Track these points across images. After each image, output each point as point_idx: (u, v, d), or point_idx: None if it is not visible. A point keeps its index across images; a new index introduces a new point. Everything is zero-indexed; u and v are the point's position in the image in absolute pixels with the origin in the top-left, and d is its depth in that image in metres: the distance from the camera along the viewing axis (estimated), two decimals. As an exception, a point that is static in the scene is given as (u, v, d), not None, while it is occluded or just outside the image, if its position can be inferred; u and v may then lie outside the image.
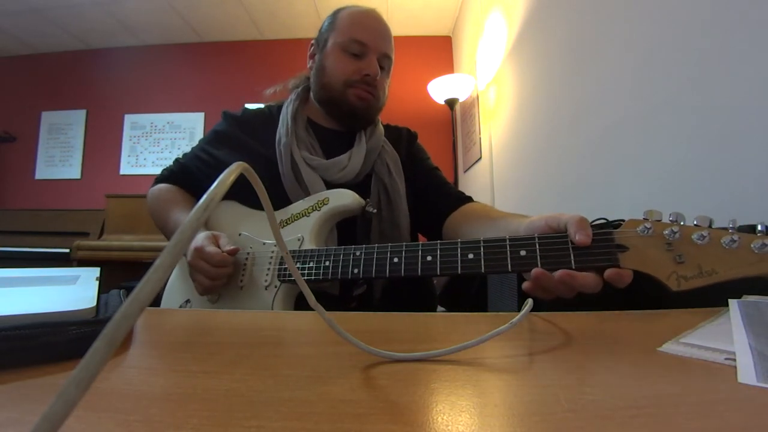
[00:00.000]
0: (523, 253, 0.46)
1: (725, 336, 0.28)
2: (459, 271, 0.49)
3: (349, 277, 0.55)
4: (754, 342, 0.26)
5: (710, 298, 0.39)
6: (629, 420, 0.17)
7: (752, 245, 0.37)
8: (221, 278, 0.61)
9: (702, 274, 0.38)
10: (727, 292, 0.38)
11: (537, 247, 0.46)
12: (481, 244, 0.49)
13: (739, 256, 0.37)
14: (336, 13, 0.80)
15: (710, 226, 0.39)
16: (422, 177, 0.83)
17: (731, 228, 0.38)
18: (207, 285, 0.61)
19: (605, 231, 0.43)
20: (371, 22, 0.77)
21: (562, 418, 0.18)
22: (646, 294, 0.42)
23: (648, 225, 0.41)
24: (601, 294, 0.44)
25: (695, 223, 0.40)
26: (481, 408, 0.20)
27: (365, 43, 0.74)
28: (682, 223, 0.40)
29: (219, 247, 0.62)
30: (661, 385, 0.21)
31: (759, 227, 0.37)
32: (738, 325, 0.30)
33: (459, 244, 0.50)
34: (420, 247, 0.52)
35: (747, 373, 0.22)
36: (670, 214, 0.41)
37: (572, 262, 0.43)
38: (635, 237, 0.42)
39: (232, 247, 0.62)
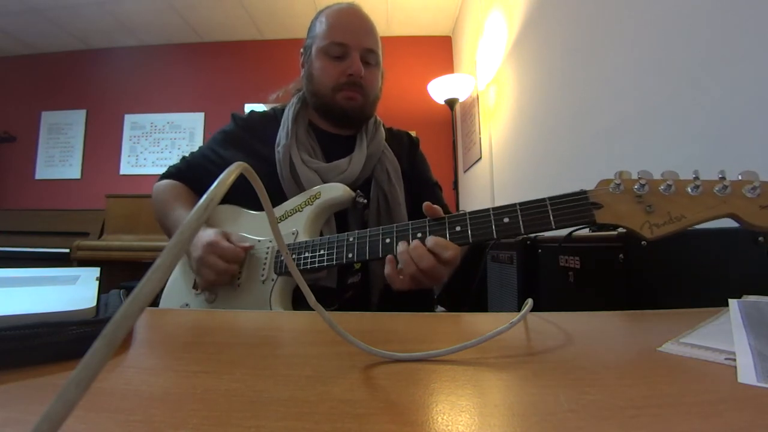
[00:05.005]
0: (506, 220, 0.49)
1: (725, 336, 0.28)
2: None
3: (344, 261, 0.57)
4: (754, 342, 0.26)
5: (710, 298, 0.39)
6: (629, 420, 0.17)
7: (714, 189, 0.40)
8: (227, 275, 0.63)
9: (672, 220, 0.41)
10: (727, 292, 0.38)
11: (519, 213, 0.48)
12: (467, 216, 0.52)
13: (704, 201, 0.40)
14: (317, 17, 0.81)
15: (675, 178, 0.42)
16: (421, 192, 0.83)
17: (695, 177, 0.41)
18: (212, 279, 0.63)
19: (580, 191, 0.46)
20: (349, 19, 0.77)
21: (562, 418, 0.18)
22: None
23: (618, 182, 0.44)
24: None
25: (661, 176, 0.43)
26: (481, 408, 0.19)
27: (344, 43, 0.75)
28: (649, 178, 0.43)
29: (232, 243, 0.64)
30: (661, 385, 0.21)
31: (719, 174, 0.40)
32: (738, 325, 0.30)
33: (447, 219, 0.53)
34: (410, 226, 0.55)
35: (747, 373, 0.22)
36: (638, 172, 0.44)
37: (552, 222, 0.46)
38: (608, 194, 0.45)
39: (246, 244, 0.65)
